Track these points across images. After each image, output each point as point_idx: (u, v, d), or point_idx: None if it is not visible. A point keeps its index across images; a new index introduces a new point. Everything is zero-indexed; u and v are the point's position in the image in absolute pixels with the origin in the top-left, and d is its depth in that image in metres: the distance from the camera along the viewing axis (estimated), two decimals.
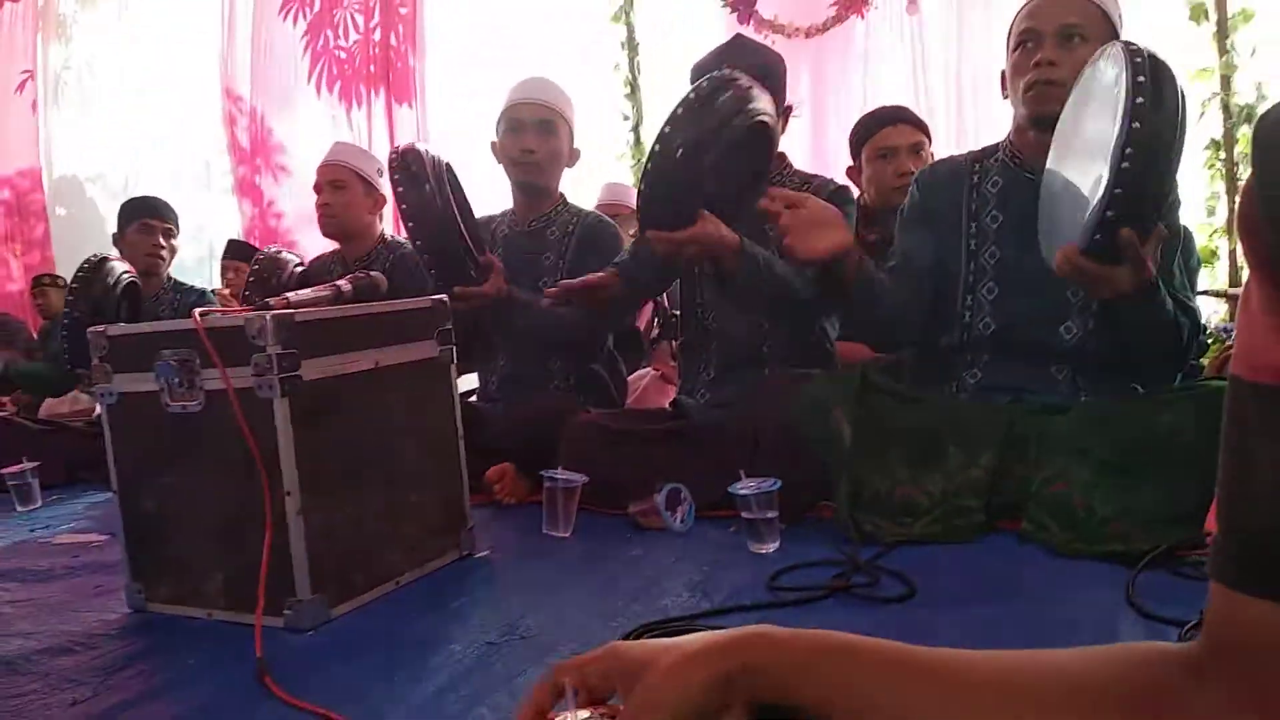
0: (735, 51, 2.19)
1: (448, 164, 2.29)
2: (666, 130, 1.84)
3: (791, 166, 2.28)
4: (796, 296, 2.01)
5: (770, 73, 2.15)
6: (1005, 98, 1.91)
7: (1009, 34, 1.87)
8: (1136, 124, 1.41)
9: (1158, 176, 1.48)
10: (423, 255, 2.27)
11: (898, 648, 0.65)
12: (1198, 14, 3.90)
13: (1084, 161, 1.57)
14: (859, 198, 2.83)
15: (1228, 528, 0.54)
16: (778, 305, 2.07)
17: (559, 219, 2.58)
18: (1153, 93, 1.42)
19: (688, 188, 1.86)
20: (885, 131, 2.67)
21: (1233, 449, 0.54)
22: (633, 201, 3.87)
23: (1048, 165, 1.72)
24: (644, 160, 1.95)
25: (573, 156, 2.62)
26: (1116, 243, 1.48)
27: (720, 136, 1.83)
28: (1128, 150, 1.41)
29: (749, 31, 3.88)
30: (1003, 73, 1.91)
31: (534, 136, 2.49)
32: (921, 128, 2.74)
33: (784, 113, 2.21)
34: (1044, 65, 1.75)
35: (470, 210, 2.38)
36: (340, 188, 2.85)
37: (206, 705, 1.19)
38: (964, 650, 0.65)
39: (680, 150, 1.81)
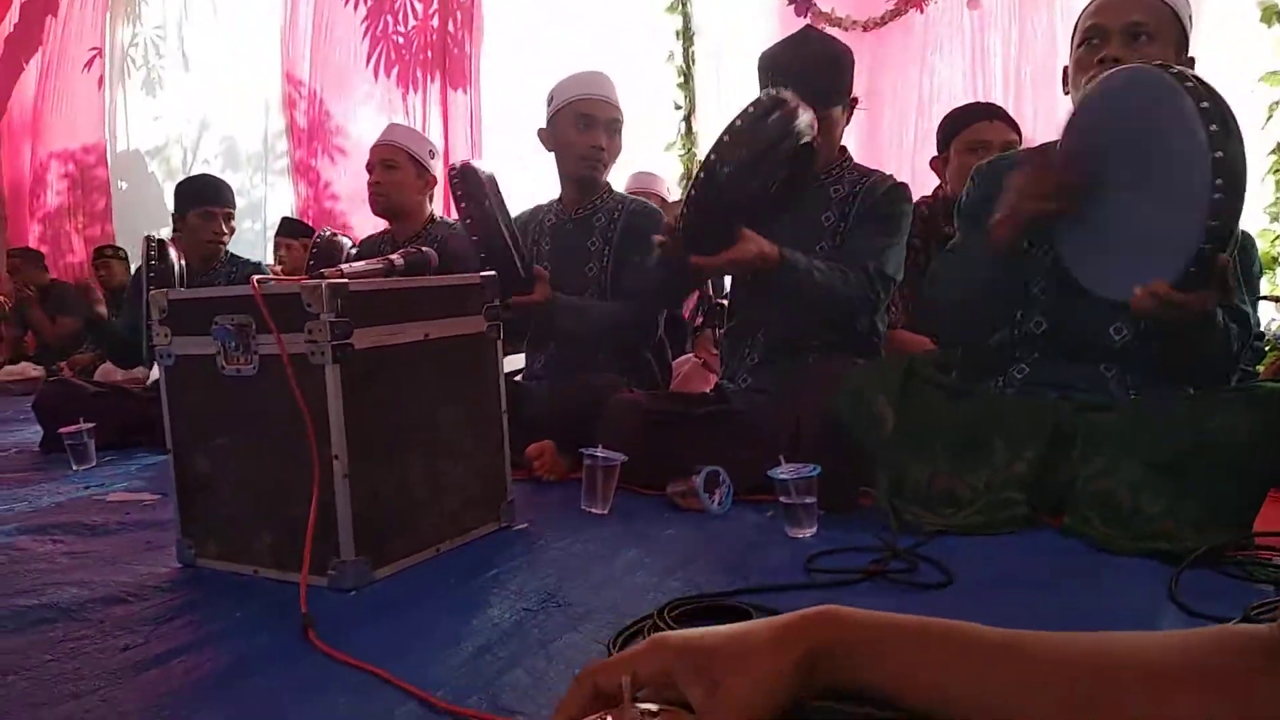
0: (803, 41, 2.19)
1: (491, 176, 2.35)
2: (713, 158, 1.85)
3: (851, 160, 2.28)
4: (839, 299, 2.01)
5: (838, 64, 2.15)
6: (1067, 93, 1.88)
7: (1074, 29, 1.84)
8: (1219, 153, 1.39)
9: (1241, 200, 1.46)
10: (483, 261, 2.31)
11: (969, 628, 0.63)
12: (1269, 15, 3.79)
13: (1134, 193, 1.55)
14: (939, 189, 2.81)
15: None
16: (821, 308, 2.07)
17: (604, 206, 2.61)
18: (1220, 116, 1.40)
19: (731, 213, 1.89)
20: (978, 126, 2.63)
21: None
22: (661, 190, 3.88)
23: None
24: (688, 184, 1.97)
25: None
26: (1208, 271, 1.46)
27: (766, 162, 1.86)
28: (1218, 181, 1.39)
29: (807, 24, 3.86)
30: (1065, 68, 1.88)
31: (604, 135, 2.53)
32: (1015, 127, 2.69)
33: (850, 104, 2.21)
34: (1109, 62, 1.72)
35: (510, 220, 2.44)
36: (392, 167, 2.89)
37: (252, 656, 1.22)
38: (1036, 631, 0.63)
39: (727, 177, 1.83)
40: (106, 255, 5.80)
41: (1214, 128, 1.39)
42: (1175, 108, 1.44)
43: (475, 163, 2.35)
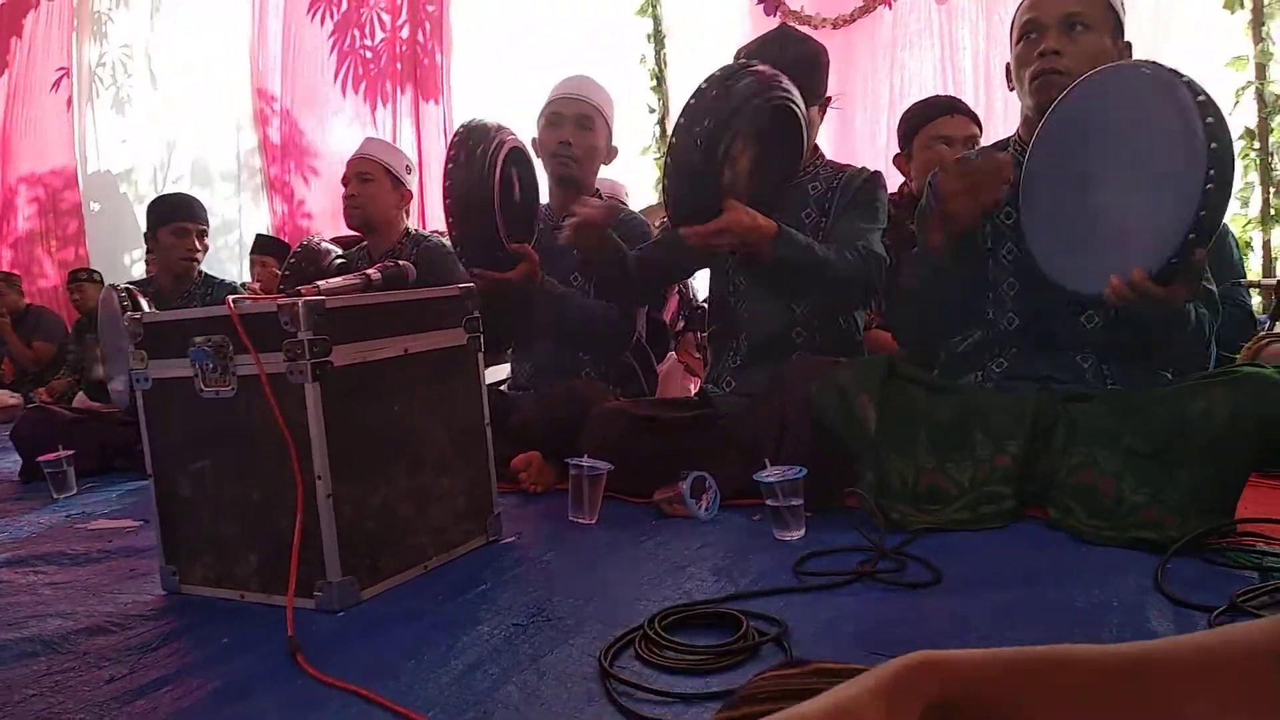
0: (779, 41, 2.19)
1: (515, 145, 2.33)
2: (682, 121, 1.84)
3: (824, 157, 2.28)
4: (841, 276, 1.99)
5: (814, 63, 2.15)
6: (1011, 89, 1.90)
7: (1012, 27, 1.86)
8: (1214, 144, 1.42)
9: (1228, 194, 1.48)
10: (453, 230, 2.30)
11: (1084, 652, 0.57)
12: (1232, 2, 3.85)
13: (1115, 187, 1.57)
14: (904, 185, 2.81)
15: None
16: (821, 287, 2.06)
17: None
18: (1215, 110, 1.43)
19: (709, 176, 1.85)
20: (940, 121, 2.63)
21: None
22: (621, 195, 3.88)
23: (1034, 200, 1.72)
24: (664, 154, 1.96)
25: (610, 154, 2.65)
26: (1189, 263, 1.48)
27: (737, 119, 1.83)
28: (1211, 172, 1.41)
29: (775, 24, 3.87)
30: (1008, 65, 1.89)
31: (571, 130, 2.52)
32: (977, 121, 2.70)
33: (824, 103, 2.21)
34: (1048, 55, 1.74)
35: (531, 196, 2.42)
36: (367, 180, 2.88)
37: (240, 682, 1.21)
38: (1149, 643, 0.57)
39: (699, 139, 1.81)
40: (81, 279, 5.74)
41: (1209, 120, 1.41)
42: (1172, 99, 1.46)
43: (492, 122, 2.31)
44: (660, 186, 1.96)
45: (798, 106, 1.96)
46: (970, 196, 1.71)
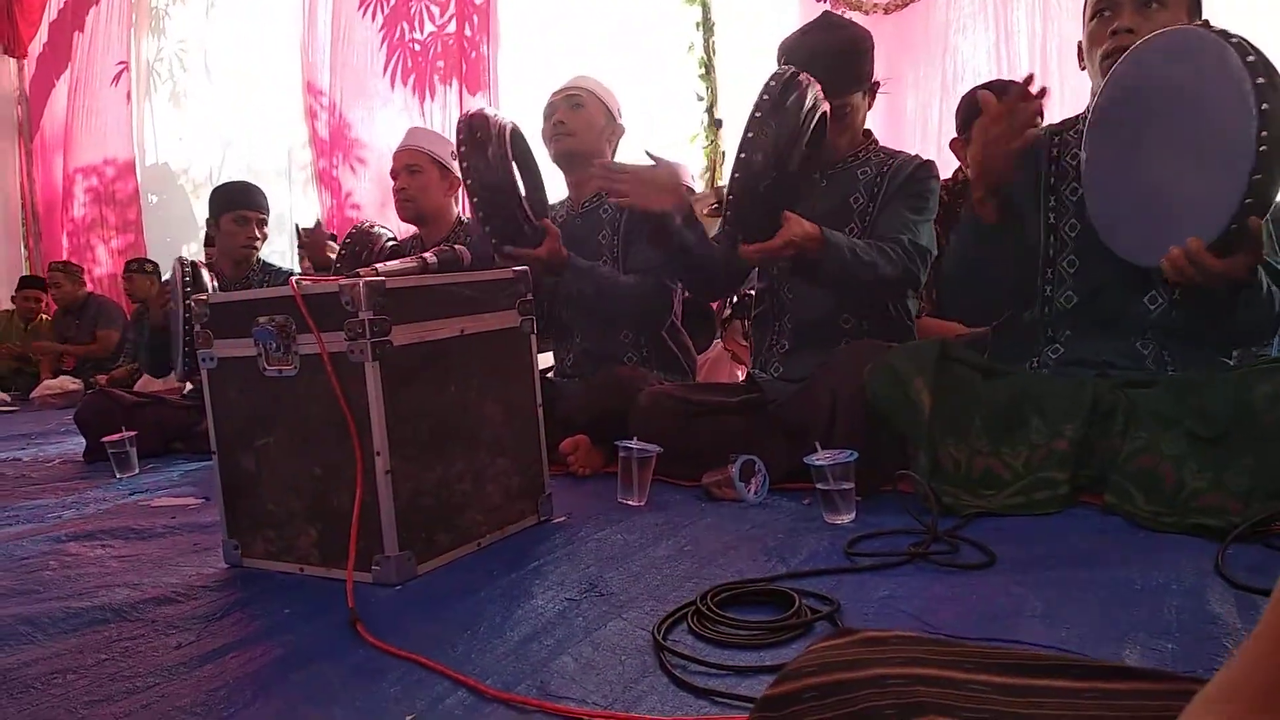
0: (822, 28, 2.19)
1: (514, 126, 2.38)
2: (743, 152, 1.87)
3: (877, 143, 2.27)
4: (884, 277, 2.00)
5: (857, 49, 2.15)
6: (1083, 69, 1.87)
7: (1085, 4, 1.83)
8: (1266, 105, 1.38)
9: None
10: (479, 215, 2.34)
11: None
12: None
13: (1169, 155, 1.54)
14: (959, 171, 2.78)
15: None
16: (865, 287, 2.06)
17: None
18: (1266, 70, 1.39)
19: (776, 197, 1.89)
20: None
21: None
22: (686, 177, 3.88)
23: (1094, 171, 1.70)
24: (727, 178, 1.99)
25: (615, 131, 2.68)
26: (1246, 232, 1.45)
27: (799, 141, 1.87)
28: (1264, 134, 1.38)
29: (827, 9, 3.84)
30: (1079, 44, 1.87)
31: (564, 111, 2.59)
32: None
33: (871, 89, 2.20)
34: (1121, 33, 1.71)
35: (537, 175, 2.48)
36: (416, 172, 2.91)
37: (303, 649, 1.24)
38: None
39: (763, 162, 1.84)
40: (132, 270, 5.86)
41: (1260, 80, 1.38)
42: (1221, 61, 1.43)
43: (491, 110, 2.38)
44: (725, 208, 1.98)
45: (827, 108, 1.98)
46: (1003, 141, 1.70)
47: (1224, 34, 1.45)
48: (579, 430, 2.24)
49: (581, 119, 2.58)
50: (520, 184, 2.32)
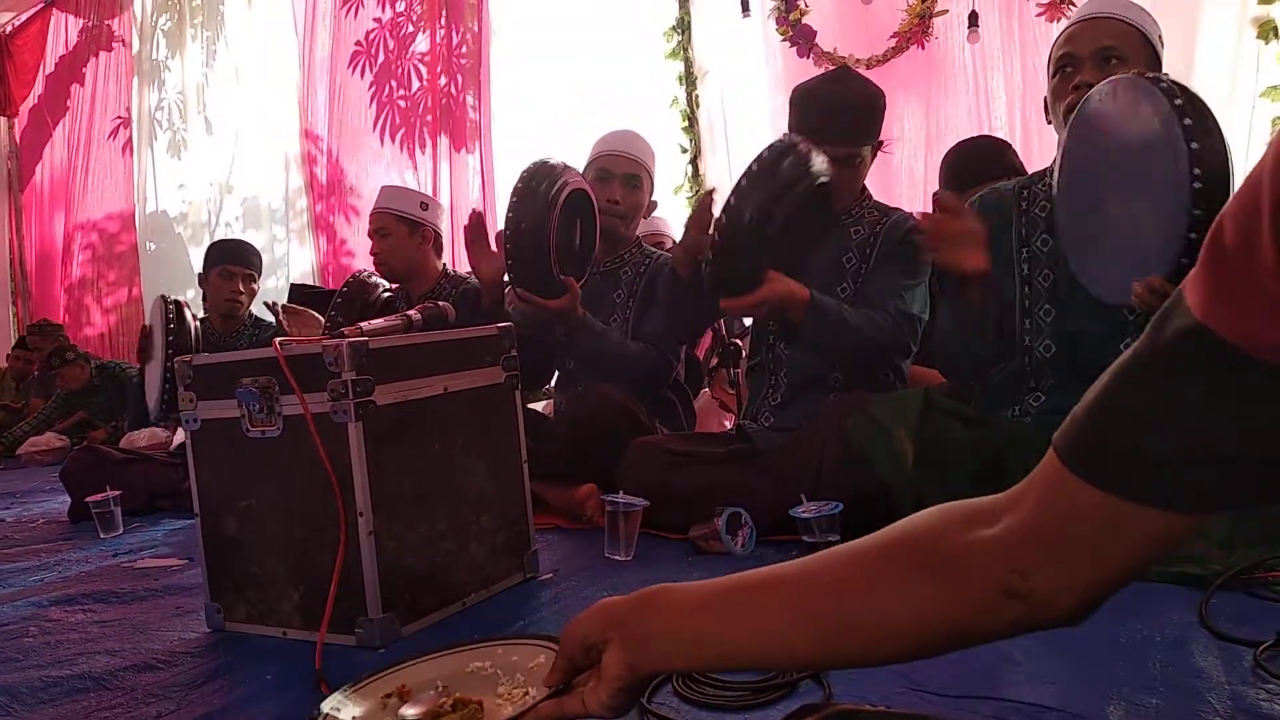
0: (840, 81, 2.24)
1: (581, 189, 2.42)
2: (732, 202, 1.90)
3: (871, 198, 2.30)
4: (870, 343, 2.02)
5: (872, 106, 2.20)
6: (1049, 123, 1.91)
7: (1049, 61, 1.88)
8: (1195, 145, 1.42)
9: (1227, 191, 1.47)
10: (506, 249, 2.36)
11: (715, 583, 0.79)
12: (1266, 32, 3.83)
13: (1123, 198, 1.58)
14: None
15: (1103, 429, 0.59)
16: (851, 352, 2.09)
17: (632, 260, 2.68)
18: (1195, 113, 1.43)
19: (756, 254, 1.92)
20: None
21: (1161, 374, 0.57)
22: (671, 231, 3.93)
23: (1066, 211, 1.74)
24: (714, 229, 2.03)
25: (650, 208, 2.76)
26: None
27: (785, 202, 1.90)
28: (1196, 171, 1.42)
29: (808, 64, 3.91)
30: (1045, 99, 1.91)
31: (620, 188, 2.61)
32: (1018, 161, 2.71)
33: (876, 146, 2.25)
34: (1082, 88, 1.75)
35: (590, 238, 2.51)
36: (384, 235, 2.94)
37: (284, 718, 1.23)
38: (775, 565, 0.77)
39: (749, 220, 1.88)
40: (68, 359, 5.76)
41: (1188, 121, 1.43)
42: (1154, 106, 1.48)
43: (556, 161, 2.41)
44: (706, 260, 2.02)
45: (829, 178, 2.00)
46: (961, 248, 1.76)
47: (1154, 79, 1.51)
48: (563, 456, 2.26)
49: (633, 201, 2.64)
50: (556, 235, 2.33)
